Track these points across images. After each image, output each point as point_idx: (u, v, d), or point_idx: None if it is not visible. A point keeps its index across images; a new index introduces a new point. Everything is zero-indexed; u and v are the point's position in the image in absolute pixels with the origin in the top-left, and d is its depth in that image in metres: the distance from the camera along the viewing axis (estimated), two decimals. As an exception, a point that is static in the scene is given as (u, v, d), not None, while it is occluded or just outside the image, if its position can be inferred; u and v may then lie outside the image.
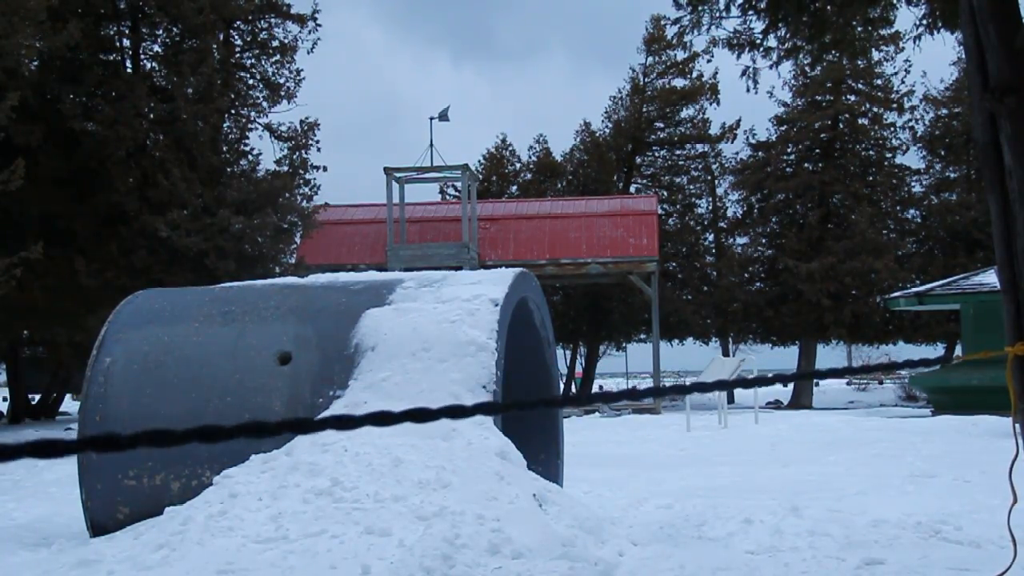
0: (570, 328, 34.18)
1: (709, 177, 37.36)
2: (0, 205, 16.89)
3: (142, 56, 21.62)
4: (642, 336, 35.54)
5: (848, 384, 46.25)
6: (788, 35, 7.85)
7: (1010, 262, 4.16)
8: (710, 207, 37.31)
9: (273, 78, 23.18)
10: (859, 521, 7.04)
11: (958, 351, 30.39)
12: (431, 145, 28.25)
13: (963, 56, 5.61)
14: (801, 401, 33.29)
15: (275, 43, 23.36)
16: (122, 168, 19.45)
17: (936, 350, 37.17)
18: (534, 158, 38.17)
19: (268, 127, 22.78)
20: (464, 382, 6.61)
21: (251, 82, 23.41)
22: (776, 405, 32.85)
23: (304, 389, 6.90)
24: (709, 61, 34.34)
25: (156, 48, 22.10)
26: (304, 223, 22.12)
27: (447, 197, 36.34)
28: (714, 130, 36.76)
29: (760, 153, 35.71)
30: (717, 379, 21.06)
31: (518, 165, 38.49)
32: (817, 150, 34.94)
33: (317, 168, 22.74)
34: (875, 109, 35.25)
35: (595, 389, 38.42)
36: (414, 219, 28.18)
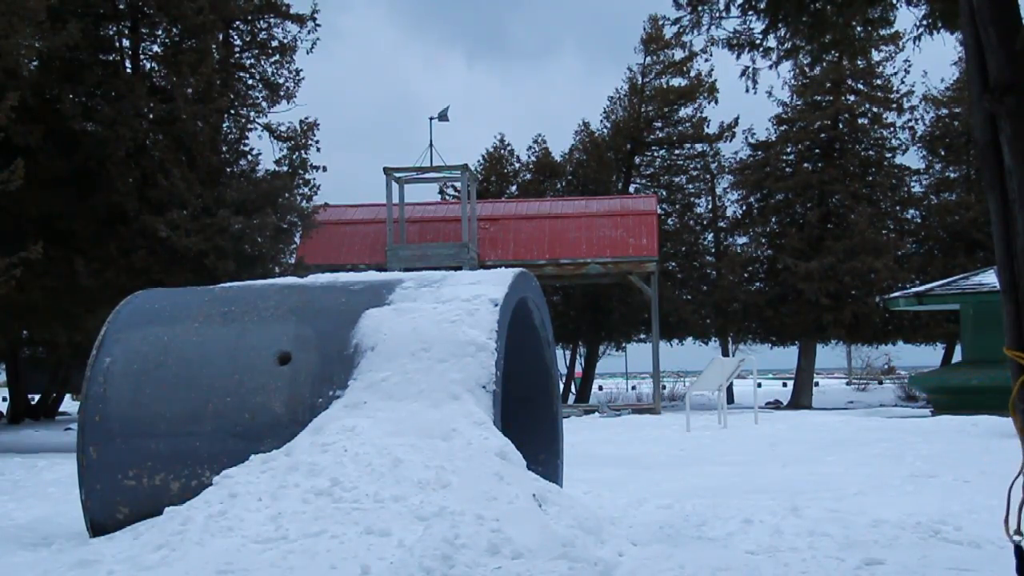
0: (570, 328, 34.17)
1: (708, 177, 37.36)
2: (0, 205, 16.87)
3: (142, 56, 21.58)
4: (642, 336, 35.52)
5: (848, 384, 46.25)
6: (788, 35, 7.83)
7: (1010, 262, 4.15)
8: (709, 207, 37.31)
9: (273, 78, 23.17)
10: (859, 521, 7.04)
11: (958, 351, 30.40)
12: (431, 145, 28.32)
13: (963, 56, 5.62)
14: (801, 401, 33.30)
15: (275, 43, 23.37)
16: (122, 168, 19.40)
17: (936, 350, 37.22)
18: (533, 158, 38.17)
19: (268, 127, 22.76)
20: (464, 382, 6.61)
21: (251, 82, 23.41)
22: (776, 405, 32.86)
23: (304, 389, 6.90)
24: (707, 60, 34.39)
25: (156, 48, 22.08)
26: (304, 223, 22.10)
27: (447, 197, 36.33)
28: (712, 129, 36.78)
29: (759, 153, 35.67)
30: (717, 380, 20.81)
31: (517, 165, 38.50)
32: (817, 150, 34.92)
33: (317, 168, 22.73)
34: (875, 109, 35.23)
35: (595, 389, 38.40)
36: (414, 219, 28.18)
